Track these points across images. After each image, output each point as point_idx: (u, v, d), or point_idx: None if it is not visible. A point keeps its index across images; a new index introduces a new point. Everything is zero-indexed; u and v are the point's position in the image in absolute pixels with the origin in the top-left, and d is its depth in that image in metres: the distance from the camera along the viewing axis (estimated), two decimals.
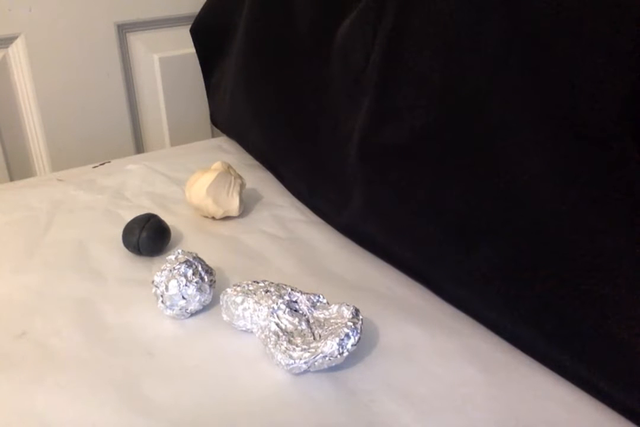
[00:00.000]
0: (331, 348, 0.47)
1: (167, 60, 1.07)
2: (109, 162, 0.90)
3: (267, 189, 0.81)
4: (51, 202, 0.77)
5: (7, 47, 0.93)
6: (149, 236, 0.64)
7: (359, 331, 0.48)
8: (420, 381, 0.49)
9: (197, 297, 0.55)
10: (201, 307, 0.56)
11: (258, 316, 0.51)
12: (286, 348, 0.48)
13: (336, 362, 0.48)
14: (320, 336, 0.49)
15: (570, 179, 0.46)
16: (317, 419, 0.45)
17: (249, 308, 0.52)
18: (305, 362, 0.47)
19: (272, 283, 0.54)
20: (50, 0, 0.93)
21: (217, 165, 0.73)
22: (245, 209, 0.75)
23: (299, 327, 0.50)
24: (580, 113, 0.45)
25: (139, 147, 1.10)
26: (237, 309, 0.52)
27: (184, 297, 0.54)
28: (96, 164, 0.89)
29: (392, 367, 0.50)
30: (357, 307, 0.53)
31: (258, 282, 0.54)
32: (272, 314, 0.50)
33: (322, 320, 0.50)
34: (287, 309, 0.50)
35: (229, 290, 0.54)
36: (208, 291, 0.56)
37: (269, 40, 0.80)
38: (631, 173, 0.43)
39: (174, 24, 1.06)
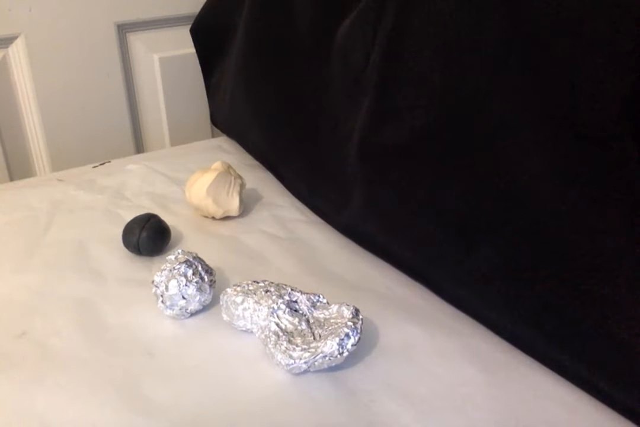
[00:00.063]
0: (331, 348, 0.47)
1: (167, 60, 1.07)
2: (109, 162, 0.90)
3: (267, 189, 0.81)
4: (51, 202, 0.77)
5: (7, 47, 0.93)
6: (149, 236, 0.64)
7: (359, 331, 0.48)
8: (420, 381, 0.49)
9: (197, 297, 0.55)
10: (201, 307, 0.56)
11: (258, 316, 0.51)
12: (286, 348, 0.48)
13: (336, 362, 0.48)
14: (320, 336, 0.49)
15: (570, 179, 0.46)
16: (317, 419, 0.45)
17: (249, 308, 0.52)
18: (305, 362, 0.47)
19: (272, 283, 0.54)
20: (50, 0, 0.93)
21: (217, 165, 0.73)
22: (245, 209, 0.75)
23: (299, 327, 0.50)
24: (580, 113, 0.44)
25: (139, 147, 1.10)
26: (237, 309, 0.52)
27: (184, 297, 0.54)
28: (96, 164, 0.89)
29: (392, 367, 0.50)
30: (357, 307, 0.53)
31: (258, 282, 0.54)
32: (272, 314, 0.50)
33: (322, 320, 0.50)
34: (287, 309, 0.50)
35: (229, 290, 0.54)
36: (208, 290, 0.56)
37: (269, 40, 0.80)
38: (631, 173, 0.43)
39: (174, 24, 1.06)
